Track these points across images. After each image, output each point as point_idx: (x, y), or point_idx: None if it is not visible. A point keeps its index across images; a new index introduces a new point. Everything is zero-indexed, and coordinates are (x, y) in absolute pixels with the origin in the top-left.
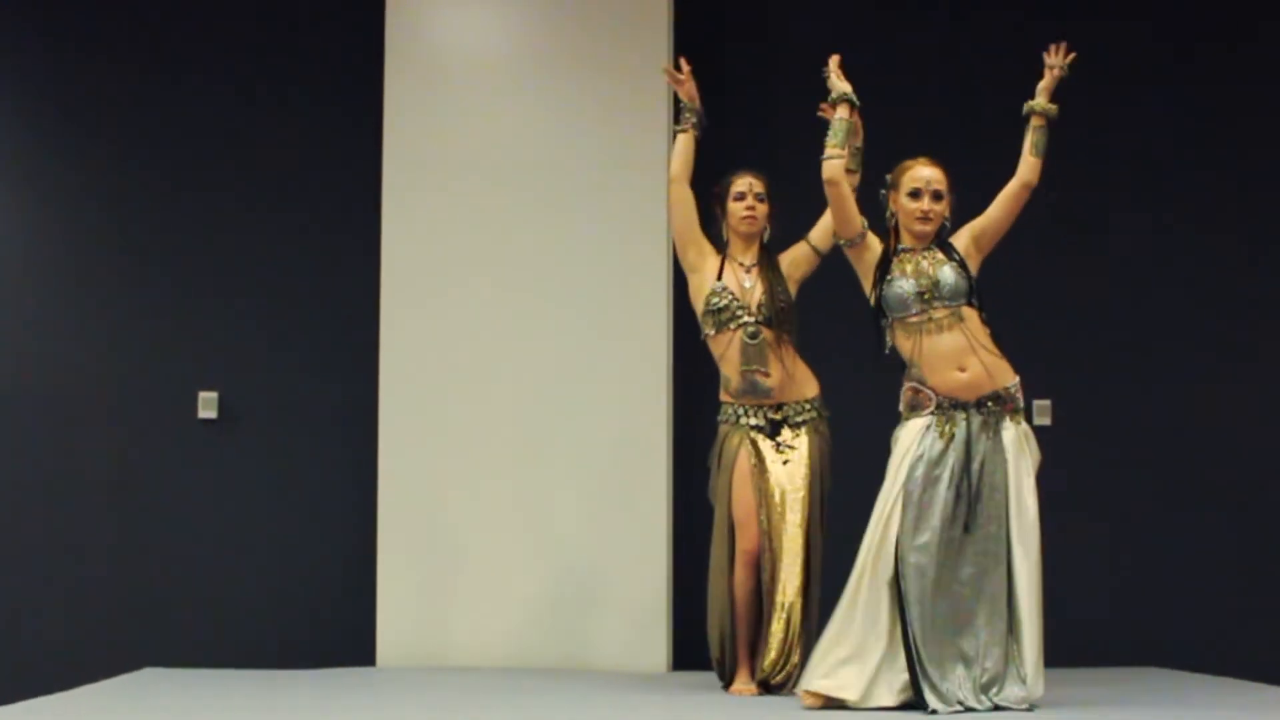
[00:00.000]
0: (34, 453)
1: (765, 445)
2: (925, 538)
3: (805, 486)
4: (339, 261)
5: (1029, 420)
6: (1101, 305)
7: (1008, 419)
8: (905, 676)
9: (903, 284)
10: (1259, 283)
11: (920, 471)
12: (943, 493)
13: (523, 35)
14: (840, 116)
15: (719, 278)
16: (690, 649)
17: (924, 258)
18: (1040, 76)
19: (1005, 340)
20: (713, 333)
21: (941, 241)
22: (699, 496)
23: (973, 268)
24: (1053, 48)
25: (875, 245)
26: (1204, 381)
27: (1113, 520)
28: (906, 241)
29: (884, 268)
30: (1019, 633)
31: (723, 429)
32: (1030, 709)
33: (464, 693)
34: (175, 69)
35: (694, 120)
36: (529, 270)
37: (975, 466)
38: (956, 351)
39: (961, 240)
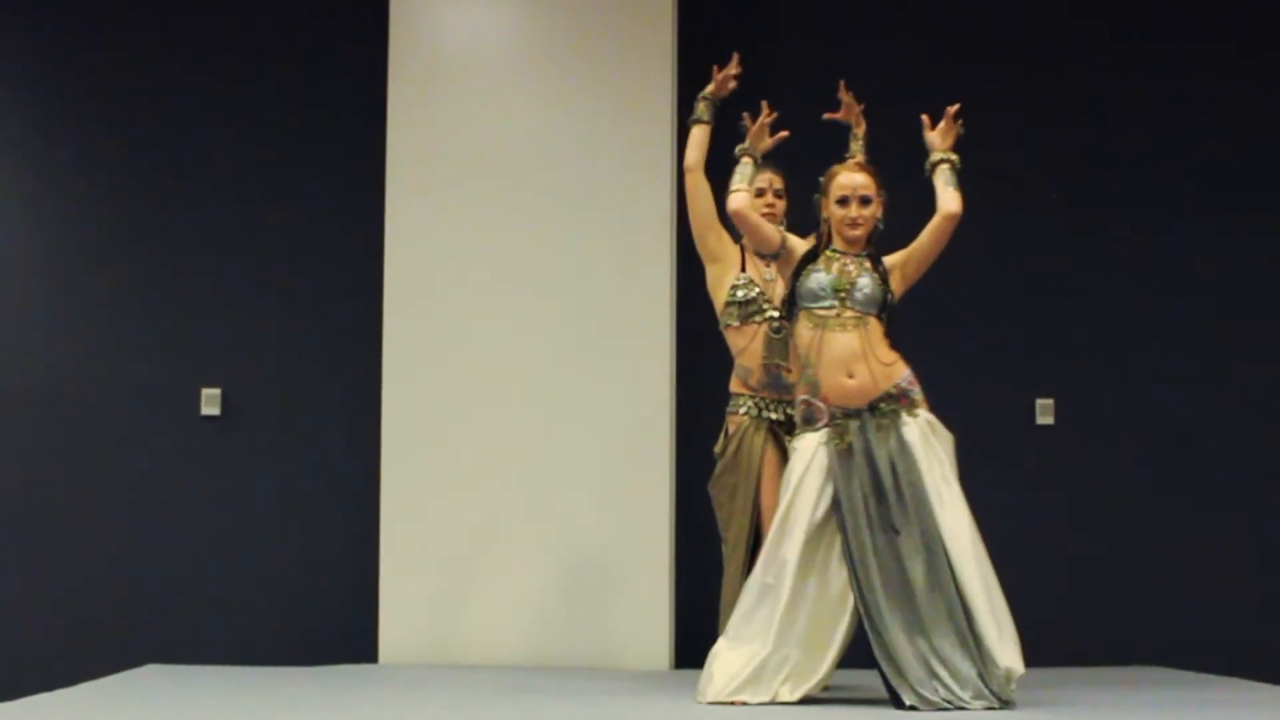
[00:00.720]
0: (37, 449)
1: (785, 441)
2: (855, 548)
3: None
4: (342, 258)
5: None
6: (1104, 304)
7: (905, 414)
8: (798, 677)
9: (821, 276)
10: (1260, 281)
11: (828, 489)
12: (859, 503)
13: (526, 32)
14: (743, 162)
15: (742, 269)
16: (693, 647)
17: (851, 261)
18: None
19: (1008, 339)
20: (736, 324)
21: (873, 254)
22: (703, 493)
23: (895, 287)
24: (939, 126)
25: (799, 246)
26: (1206, 380)
27: (1114, 518)
28: (838, 245)
29: (809, 260)
30: (975, 621)
31: (737, 420)
32: (1006, 706)
33: (466, 690)
34: (178, 66)
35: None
36: (532, 266)
37: (884, 469)
38: (849, 355)
39: (891, 259)
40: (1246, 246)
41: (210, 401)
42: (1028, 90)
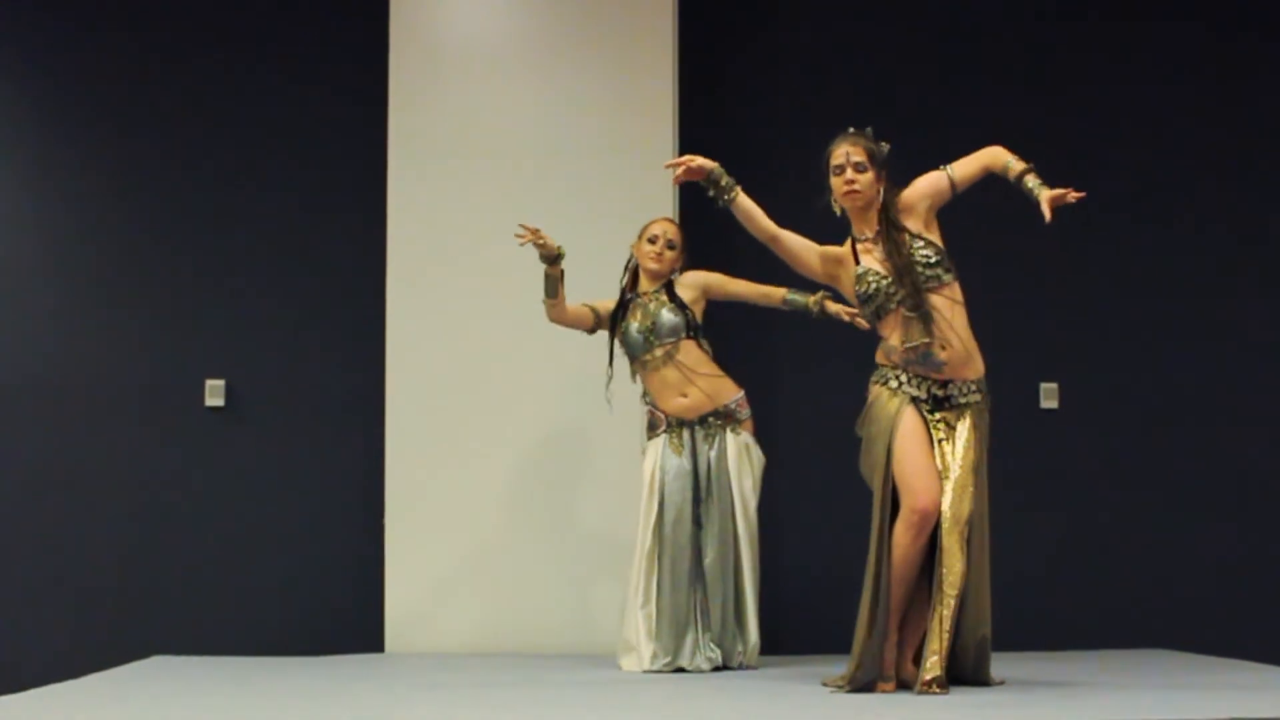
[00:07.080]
0: (42, 441)
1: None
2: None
3: (972, 474)
4: (345, 250)
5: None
6: (1108, 288)
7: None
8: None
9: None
10: (1263, 265)
11: None
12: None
13: (527, 22)
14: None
15: (857, 262)
16: None
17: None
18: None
19: (1012, 323)
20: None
21: (669, 287)
22: None
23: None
24: None
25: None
26: (1210, 366)
27: (1119, 502)
28: (644, 284)
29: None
30: (744, 604)
31: (876, 390)
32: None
33: (471, 679)
34: (180, 58)
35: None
36: (535, 258)
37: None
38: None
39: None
40: (1250, 232)
41: (214, 393)
42: (1030, 75)
